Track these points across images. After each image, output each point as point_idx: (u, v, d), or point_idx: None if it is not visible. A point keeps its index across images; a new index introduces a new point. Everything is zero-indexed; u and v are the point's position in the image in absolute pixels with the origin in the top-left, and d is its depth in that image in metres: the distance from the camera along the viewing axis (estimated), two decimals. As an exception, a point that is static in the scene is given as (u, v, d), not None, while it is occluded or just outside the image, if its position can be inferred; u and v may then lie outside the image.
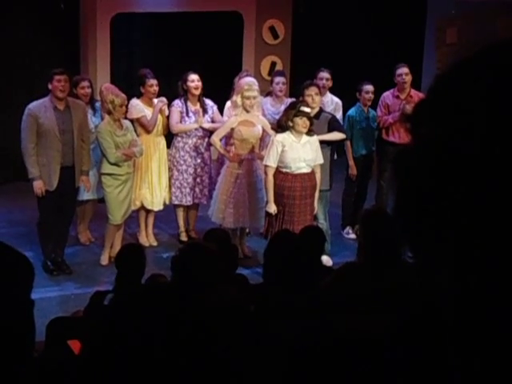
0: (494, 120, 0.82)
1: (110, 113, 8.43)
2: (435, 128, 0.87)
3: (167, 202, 9.40)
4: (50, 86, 8.12)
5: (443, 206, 0.85)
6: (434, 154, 0.86)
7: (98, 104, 9.09)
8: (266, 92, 9.79)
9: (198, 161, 9.30)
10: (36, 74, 11.01)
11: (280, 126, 8.15)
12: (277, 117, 8.90)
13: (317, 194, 8.31)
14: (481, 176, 0.82)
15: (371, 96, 9.63)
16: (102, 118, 8.91)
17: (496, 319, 0.84)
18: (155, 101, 9.19)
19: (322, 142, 8.39)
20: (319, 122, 8.57)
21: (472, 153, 0.82)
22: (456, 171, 0.84)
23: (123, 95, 8.52)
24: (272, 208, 8.13)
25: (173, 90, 9.48)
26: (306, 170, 8.16)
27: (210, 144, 9.13)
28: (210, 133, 9.13)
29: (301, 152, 8.06)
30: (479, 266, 0.83)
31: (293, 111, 8.04)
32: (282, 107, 9.05)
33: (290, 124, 8.03)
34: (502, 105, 0.82)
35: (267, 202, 8.24)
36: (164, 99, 9.20)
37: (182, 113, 9.21)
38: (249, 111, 8.55)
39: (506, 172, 0.80)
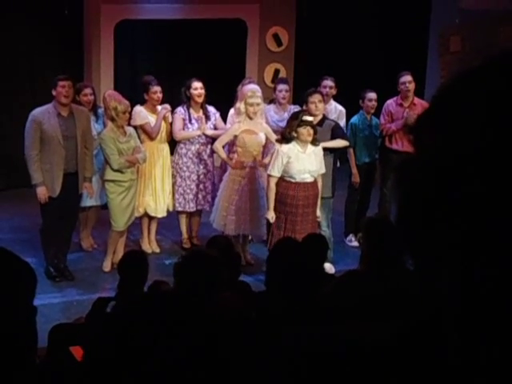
0: (496, 131, 0.82)
1: (113, 119, 8.43)
2: (437, 139, 0.87)
3: (170, 209, 9.40)
4: (53, 92, 8.12)
5: (445, 216, 0.85)
6: (435, 165, 0.86)
7: (100, 111, 9.10)
8: (270, 99, 9.80)
9: (201, 167, 9.31)
10: (39, 81, 11.04)
11: (284, 138, 8.14)
12: (280, 124, 8.91)
13: (318, 202, 8.31)
14: (482, 187, 0.82)
15: (374, 104, 9.63)
16: (105, 125, 8.92)
17: (497, 325, 0.84)
18: (159, 108, 9.20)
19: (324, 150, 8.39)
20: (322, 129, 8.57)
21: (473, 164, 0.83)
22: (457, 182, 0.84)
23: (126, 102, 8.52)
24: (270, 215, 8.13)
25: (176, 96, 9.49)
26: (310, 179, 8.16)
27: (213, 151, 9.14)
28: (212, 140, 9.14)
29: (306, 163, 8.06)
30: (480, 273, 0.83)
31: (295, 121, 8.04)
32: (286, 114, 9.06)
33: (294, 135, 8.03)
34: (503, 116, 0.82)
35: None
36: (168, 106, 9.21)
37: (184, 120, 9.22)
38: (252, 118, 8.55)
39: (507, 182, 0.81)
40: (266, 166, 8.38)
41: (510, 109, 0.82)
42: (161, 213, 9.31)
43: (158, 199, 9.24)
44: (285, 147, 8.07)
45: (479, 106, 0.84)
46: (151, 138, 9.15)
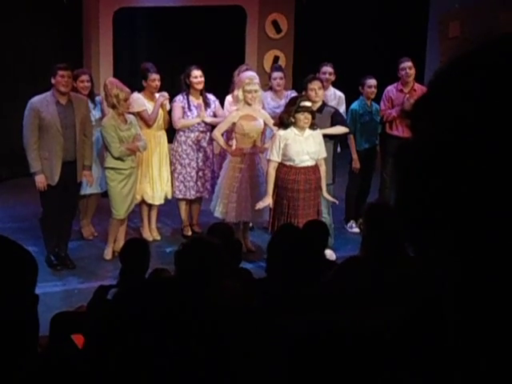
0: (491, 116, 0.82)
1: (114, 107, 8.41)
2: (432, 123, 0.87)
3: (169, 197, 9.40)
4: (52, 81, 8.11)
5: (441, 200, 0.85)
6: (431, 149, 0.86)
7: (97, 98, 9.09)
8: (269, 86, 9.80)
9: (200, 155, 9.31)
10: (39, 69, 11.01)
11: (282, 123, 8.14)
12: (277, 110, 8.91)
13: (324, 187, 8.29)
14: (477, 171, 0.82)
15: (374, 90, 9.62)
16: (102, 111, 8.91)
17: (497, 310, 0.84)
18: (157, 95, 9.19)
19: (324, 136, 8.39)
20: (322, 115, 8.57)
21: (468, 148, 0.82)
22: (452, 166, 0.84)
23: (127, 89, 8.51)
24: (267, 201, 8.12)
25: (175, 84, 9.48)
26: (310, 163, 8.15)
27: (212, 138, 9.14)
28: (211, 127, 9.14)
29: (304, 145, 8.06)
30: (479, 257, 0.83)
31: (293, 107, 8.03)
32: (283, 101, 9.07)
33: (292, 120, 8.03)
34: (498, 101, 0.82)
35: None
36: (166, 94, 9.20)
37: (183, 108, 9.21)
38: (250, 105, 8.55)
39: (502, 167, 0.81)
40: (265, 152, 8.38)
41: (507, 93, 0.82)
42: (158, 200, 9.30)
43: (155, 186, 9.23)
44: (282, 131, 8.08)
45: (476, 90, 0.84)
46: (148, 126, 9.13)
